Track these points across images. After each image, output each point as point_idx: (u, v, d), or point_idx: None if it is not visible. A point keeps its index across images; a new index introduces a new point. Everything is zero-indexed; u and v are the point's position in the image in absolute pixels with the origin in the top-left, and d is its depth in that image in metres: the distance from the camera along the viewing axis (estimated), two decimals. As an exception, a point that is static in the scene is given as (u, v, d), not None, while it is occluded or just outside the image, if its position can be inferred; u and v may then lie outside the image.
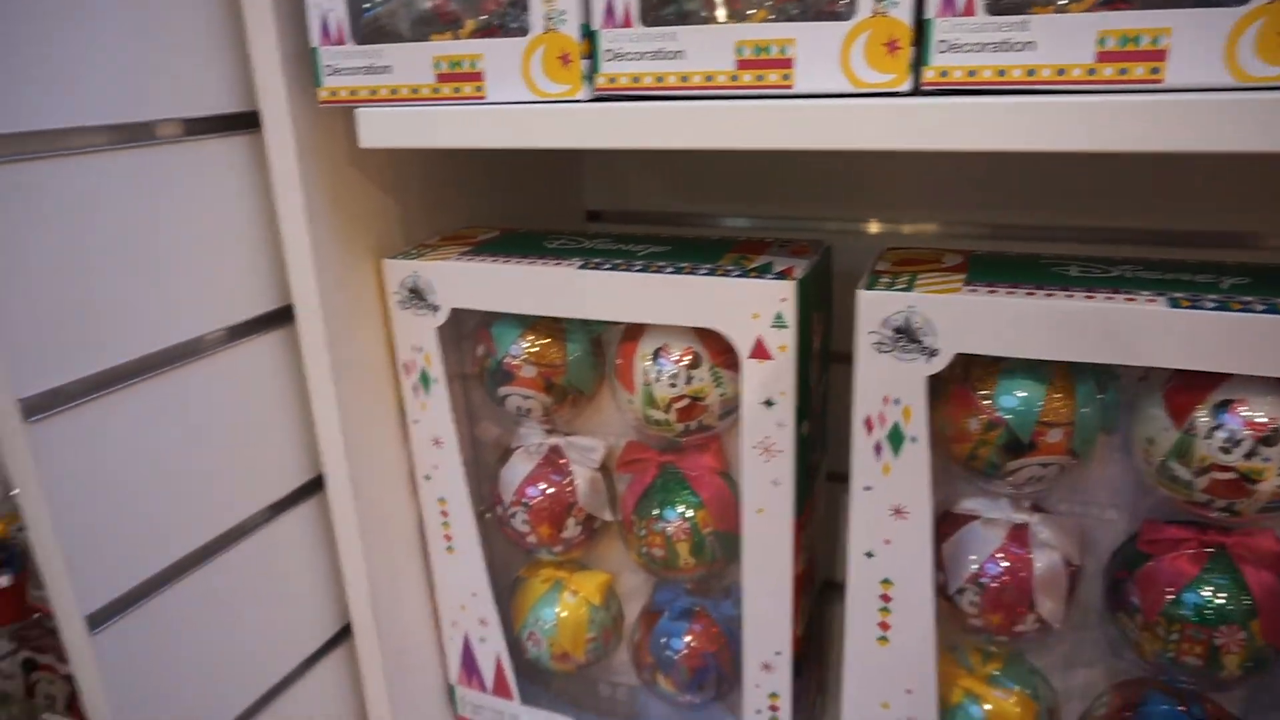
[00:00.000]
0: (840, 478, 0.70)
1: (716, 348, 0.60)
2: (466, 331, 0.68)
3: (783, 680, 0.64)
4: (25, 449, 0.48)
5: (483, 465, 0.73)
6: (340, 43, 0.54)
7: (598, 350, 0.67)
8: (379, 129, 0.55)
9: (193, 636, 0.59)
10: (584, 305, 0.59)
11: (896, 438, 0.54)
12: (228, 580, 0.61)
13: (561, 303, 0.60)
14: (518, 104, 0.51)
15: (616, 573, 0.75)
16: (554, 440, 0.69)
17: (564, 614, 0.73)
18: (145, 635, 0.56)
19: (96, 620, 0.52)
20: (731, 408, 0.62)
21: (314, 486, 0.69)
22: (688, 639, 0.69)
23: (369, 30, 0.54)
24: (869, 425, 0.54)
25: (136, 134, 0.53)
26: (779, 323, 0.55)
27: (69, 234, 0.49)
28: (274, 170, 0.58)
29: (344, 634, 0.74)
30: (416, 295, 0.64)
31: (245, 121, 0.60)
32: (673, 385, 0.61)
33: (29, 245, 0.48)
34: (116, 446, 0.53)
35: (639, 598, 0.75)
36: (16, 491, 0.49)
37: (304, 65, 0.56)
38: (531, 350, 0.65)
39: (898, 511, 0.55)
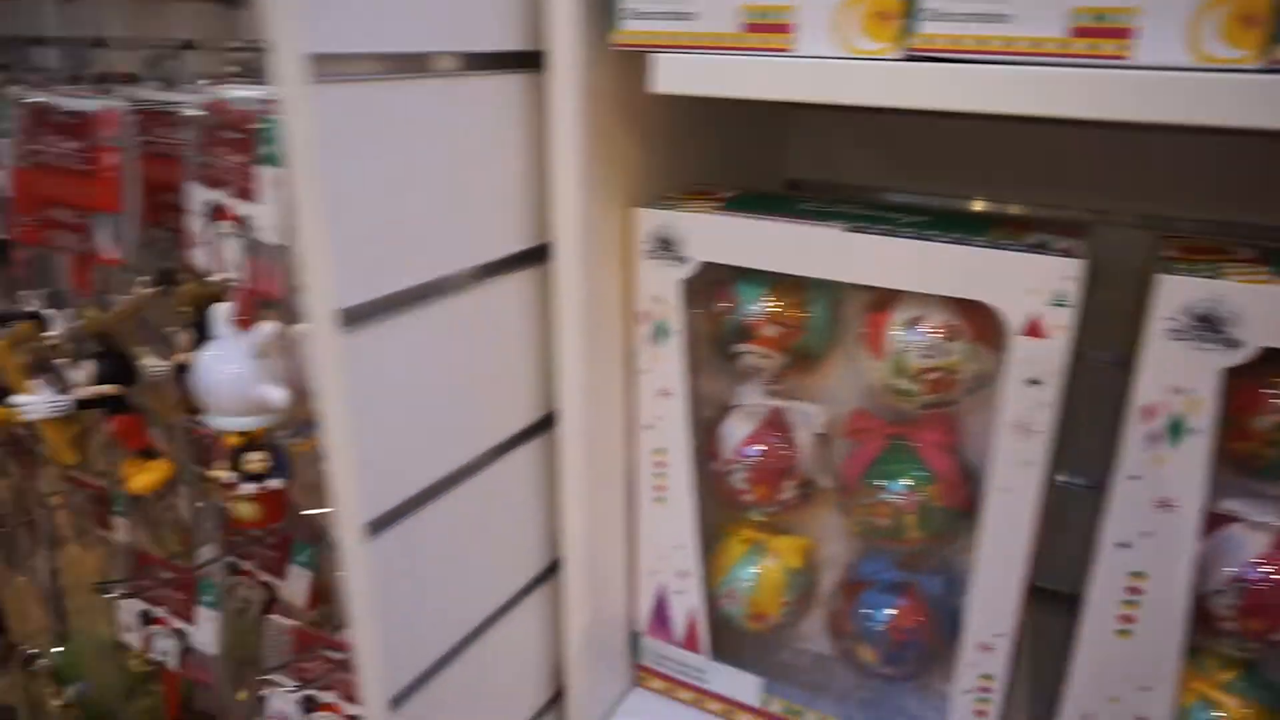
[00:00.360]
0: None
1: (975, 322, 0.59)
2: (700, 286, 0.68)
3: (1000, 662, 0.64)
4: (339, 357, 0.50)
5: (697, 420, 0.73)
6: (648, -13, 0.54)
7: (835, 314, 0.67)
8: (678, 75, 0.55)
9: (438, 556, 0.62)
10: (851, 269, 0.59)
11: (1176, 429, 0.53)
12: (469, 506, 0.64)
13: (826, 265, 0.60)
14: (826, 59, 0.51)
15: (815, 539, 0.75)
16: (777, 402, 0.69)
17: (764, 574, 0.73)
18: (403, 549, 0.58)
19: (373, 528, 0.55)
20: (979, 384, 0.62)
21: (539, 425, 0.71)
22: (895, 612, 0.69)
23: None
24: (1147, 414, 0.53)
25: (428, 64, 0.55)
26: (1060, 301, 0.54)
27: (369, 158, 0.51)
28: (555, 111, 0.59)
29: (547, 573, 0.76)
30: (666, 246, 0.65)
31: (519, 60, 0.61)
32: (926, 356, 0.60)
33: (345, 166, 0.50)
34: (398, 367, 0.55)
35: (833, 567, 0.76)
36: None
37: (594, 7, 0.57)
38: (774, 310, 0.65)
39: (1164, 504, 0.54)
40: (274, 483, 0.60)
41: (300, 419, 0.60)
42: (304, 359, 0.59)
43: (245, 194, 0.53)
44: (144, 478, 0.67)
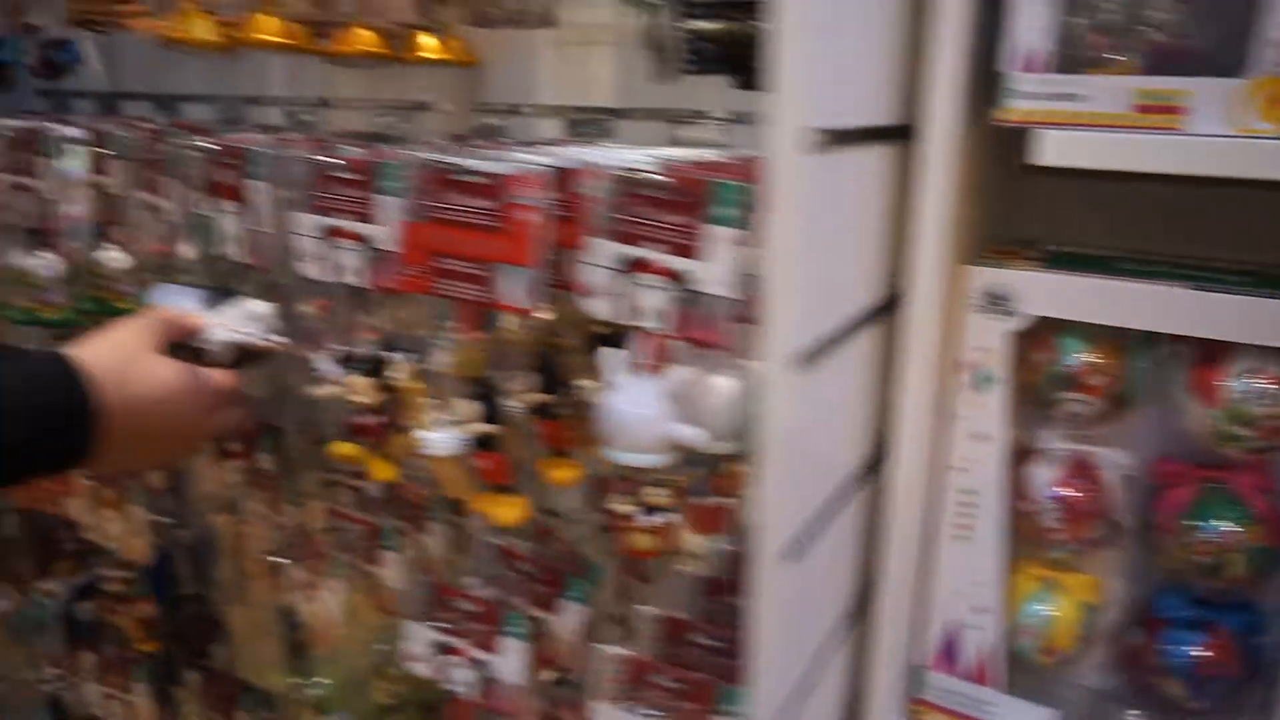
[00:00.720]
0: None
1: (1309, 374, 0.65)
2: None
3: (1326, 696, 0.68)
4: (788, 394, 0.55)
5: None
6: (1038, 71, 0.61)
7: (1153, 363, 0.72)
8: (1065, 149, 0.61)
9: (810, 586, 0.66)
10: (1204, 325, 0.64)
11: None
12: (830, 540, 0.68)
13: (1180, 321, 0.65)
14: (1217, 137, 0.57)
15: (1100, 575, 0.79)
16: (1083, 447, 0.75)
17: (1061, 611, 0.77)
18: (793, 577, 0.63)
19: (782, 554, 0.60)
20: (1308, 432, 0.67)
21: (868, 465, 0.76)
22: (1202, 648, 0.73)
23: (1063, 61, 0.61)
24: None
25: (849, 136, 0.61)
26: None
27: (817, 217, 0.57)
28: (924, 179, 0.65)
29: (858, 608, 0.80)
30: (997, 300, 0.71)
31: (887, 133, 0.67)
32: (1267, 405, 0.65)
33: (805, 225, 0.55)
34: (810, 405, 0.61)
35: (1117, 602, 0.80)
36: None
37: (971, 87, 0.64)
38: (1100, 360, 0.70)
39: None
40: (671, 516, 0.65)
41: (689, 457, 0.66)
42: (707, 399, 0.64)
43: (683, 251, 0.59)
44: (509, 512, 0.72)
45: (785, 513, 0.60)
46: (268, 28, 0.90)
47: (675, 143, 0.97)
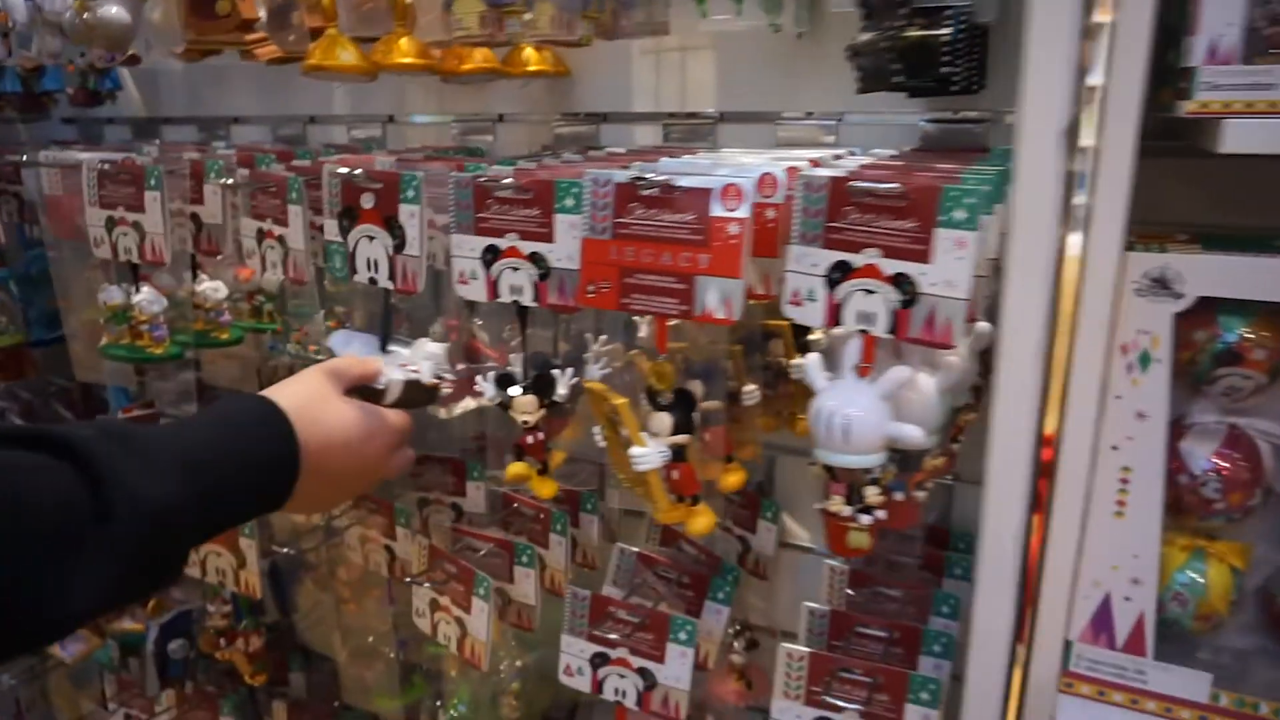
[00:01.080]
0: None
1: None
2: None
3: None
4: (1028, 391, 0.57)
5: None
6: (1227, 63, 0.63)
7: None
8: (1248, 137, 0.64)
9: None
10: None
11: None
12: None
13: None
14: (1405, 119, 0.61)
15: (1250, 542, 0.83)
16: (1239, 419, 0.78)
17: (1213, 577, 0.81)
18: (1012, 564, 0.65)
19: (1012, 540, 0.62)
20: None
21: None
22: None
23: (1249, 51, 0.63)
24: None
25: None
26: None
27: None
28: (1104, 175, 0.67)
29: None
30: (1160, 284, 0.73)
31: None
32: None
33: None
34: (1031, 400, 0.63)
35: (1263, 567, 0.84)
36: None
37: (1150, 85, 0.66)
38: (1263, 334, 0.74)
39: None
40: (882, 514, 0.66)
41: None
42: (915, 397, 0.66)
43: (909, 255, 0.60)
44: (702, 521, 0.72)
45: (1013, 506, 0.61)
46: (408, 50, 0.89)
47: (780, 144, 0.99)
